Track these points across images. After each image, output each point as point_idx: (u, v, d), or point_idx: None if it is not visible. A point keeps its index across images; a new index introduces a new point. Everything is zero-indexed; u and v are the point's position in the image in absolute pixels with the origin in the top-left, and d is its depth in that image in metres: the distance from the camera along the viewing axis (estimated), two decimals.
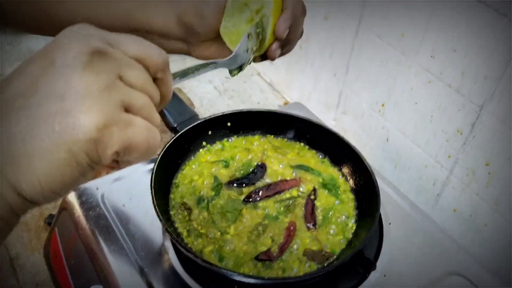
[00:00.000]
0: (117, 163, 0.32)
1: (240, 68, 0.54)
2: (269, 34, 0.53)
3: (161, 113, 0.78)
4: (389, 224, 0.72)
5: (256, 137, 0.81)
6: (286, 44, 0.56)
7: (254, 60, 0.57)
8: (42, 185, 0.28)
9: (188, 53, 0.59)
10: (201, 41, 0.56)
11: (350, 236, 0.66)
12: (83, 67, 0.28)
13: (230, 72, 0.55)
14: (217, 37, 0.56)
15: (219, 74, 1.29)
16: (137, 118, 0.30)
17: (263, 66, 1.26)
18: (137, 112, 0.30)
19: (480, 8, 0.67)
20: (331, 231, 0.67)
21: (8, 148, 0.28)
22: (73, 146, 0.28)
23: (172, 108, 0.80)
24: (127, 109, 0.30)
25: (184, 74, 0.41)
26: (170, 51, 0.59)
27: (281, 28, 0.52)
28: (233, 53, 0.52)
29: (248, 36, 0.52)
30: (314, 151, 0.79)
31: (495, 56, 0.68)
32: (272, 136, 0.81)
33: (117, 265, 0.66)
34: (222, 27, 0.54)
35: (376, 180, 0.68)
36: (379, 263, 0.66)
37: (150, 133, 0.31)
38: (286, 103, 1.21)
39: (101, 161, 0.30)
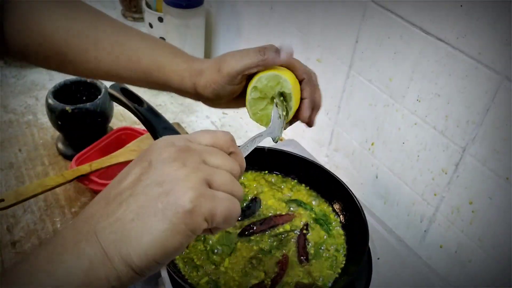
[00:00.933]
0: (209, 231, 0.38)
1: (280, 133, 0.62)
2: (293, 106, 0.61)
3: None
4: (378, 259, 0.75)
5: (250, 173, 0.85)
6: (314, 115, 0.65)
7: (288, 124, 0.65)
8: (148, 256, 0.34)
9: (197, 100, 0.67)
10: (215, 104, 0.64)
11: (340, 270, 0.69)
12: (173, 161, 0.36)
13: (273, 139, 0.61)
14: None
15: (216, 110, 1.34)
16: (219, 192, 0.37)
17: None
18: (218, 187, 0.37)
19: (461, 59, 0.73)
20: (322, 265, 0.70)
21: (121, 228, 0.34)
22: (174, 219, 0.34)
23: None
24: (210, 185, 0.37)
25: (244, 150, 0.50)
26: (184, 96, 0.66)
27: (305, 116, 0.63)
28: (271, 124, 0.60)
29: (276, 105, 0.60)
30: (307, 187, 0.83)
31: (476, 103, 0.73)
32: (267, 172, 0.85)
33: None
34: (251, 114, 0.62)
35: (365, 217, 0.72)
36: None
37: (231, 203, 0.37)
38: (281, 139, 1.25)
39: (196, 229, 0.35)
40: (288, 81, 0.59)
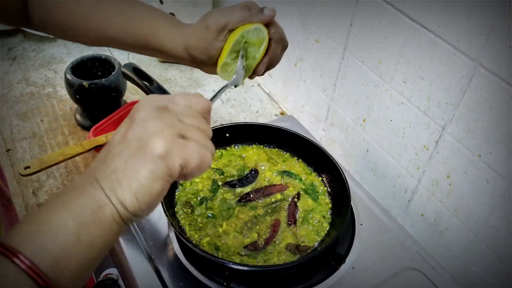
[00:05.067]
0: (184, 177, 0.46)
1: (242, 82, 0.69)
2: (256, 60, 0.68)
3: None
4: (361, 225, 0.84)
5: (251, 146, 0.94)
6: (266, 71, 0.71)
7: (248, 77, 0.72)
8: (137, 198, 0.42)
9: (193, 67, 0.73)
10: (206, 65, 0.70)
11: (324, 234, 0.79)
12: (152, 118, 0.44)
13: (235, 86, 0.69)
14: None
15: (223, 85, 1.42)
16: (190, 142, 0.44)
17: (263, 78, 1.39)
18: (191, 140, 0.45)
19: (441, 46, 0.79)
20: (309, 229, 0.79)
21: (115, 177, 0.43)
22: (152, 166, 0.42)
23: None
24: (184, 138, 0.44)
25: (212, 99, 0.58)
26: (181, 63, 0.73)
27: (260, 68, 0.68)
28: (236, 72, 0.67)
29: (242, 57, 0.67)
30: (300, 160, 0.91)
31: (454, 87, 0.80)
32: (265, 146, 0.94)
33: (129, 252, 0.79)
34: (219, 68, 0.67)
35: (349, 187, 0.80)
36: (349, 257, 0.78)
37: (202, 152, 0.45)
38: (282, 113, 1.33)
39: (172, 173, 0.43)
40: (266, 37, 0.65)
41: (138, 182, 0.42)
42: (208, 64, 0.69)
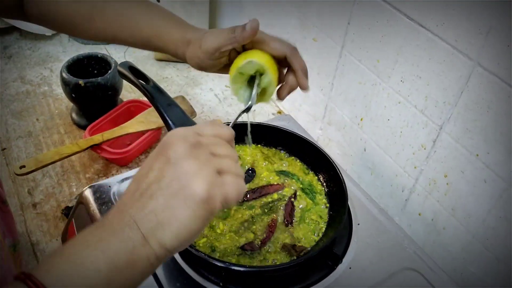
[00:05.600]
0: (222, 208, 0.46)
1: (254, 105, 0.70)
2: (272, 78, 0.67)
3: (166, 123, 0.90)
4: (358, 224, 0.84)
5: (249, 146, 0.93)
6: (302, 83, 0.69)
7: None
8: (179, 239, 0.42)
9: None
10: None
11: (321, 234, 0.78)
12: (188, 156, 0.43)
13: (249, 110, 0.69)
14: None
15: (220, 83, 1.41)
16: (227, 177, 0.44)
17: None
18: (227, 173, 0.45)
19: (439, 45, 0.79)
20: (306, 229, 0.79)
21: (155, 218, 0.42)
22: (194, 207, 0.42)
23: (176, 119, 0.92)
24: (220, 173, 0.44)
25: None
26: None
27: (304, 84, 0.67)
28: (250, 100, 0.68)
29: (257, 85, 0.67)
30: (297, 160, 0.91)
31: (452, 86, 0.79)
32: (262, 145, 0.93)
33: None
34: (233, 91, 0.68)
35: (346, 187, 0.80)
36: (346, 257, 0.78)
37: (239, 184, 0.45)
38: (279, 112, 1.33)
39: (213, 212, 0.43)
40: (265, 67, 0.65)
41: (179, 223, 0.42)
42: (208, 70, 0.70)
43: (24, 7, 0.69)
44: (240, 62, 0.65)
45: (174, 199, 0.42)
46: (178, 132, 0.46)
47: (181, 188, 0.42)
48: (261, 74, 0.67)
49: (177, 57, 0.71)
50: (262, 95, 0.69)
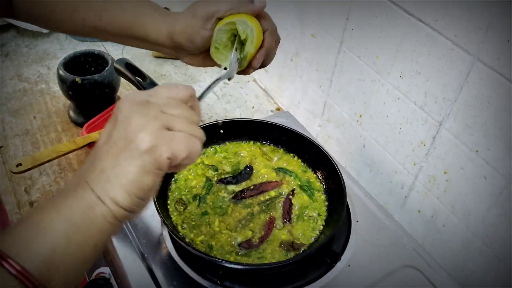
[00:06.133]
0: (175, 169, 0.46)
1: (234, 74, 0.67)
2: (249, 54, 0.65)
3: None
4: (357, 221, 0.83)
5: (247, 143, 0.92)
6: (261, 67, 0.69)
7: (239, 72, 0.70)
8: (129, 193, 0.43)
9: (178, 59, 0.72)
10: (189, 54, 0.69)
11: (320, 231, 0.77)
12: (134, 114, 0.43)
13: (229, 79, 0.67)
14: (201, 52, 0.68)
15: None
16: (176, 133, 0.44)
17: (259, 73, 1.37)
18: (178, 131, 0.44)
19: (439, 40, 0.78)
20: (304, 226, 0.78)
21: (105, 176, 0.43)
22: (140, 161, 0.42)
23: None
24: (170, 130, 0.44)
25: (202, 95, 0.57)
26: (165, 55, 0.72)
27: (256, 62, 0.66)
28: (230, 65, 0.65)
29: (236, 50, 0.65)
30: (295, 157, 0.90)
31: (452, 82, 0.78)
32: (260, 142, 0.92)
33: (122, 251, 0.77)
34: (212, 50, 0.66)
35: (345, 184, 0.79)
36: (345, 255, 0.77)
37: (190, 142, 0.44)
38: (278, 109, 1.32)
39: (160, 166, 0.43)
40: (254, 30, 0.63)
41: (127, 178, 0.43)
42: (192, 54, 0.68)
43: (11, 5, 0.69)
44: (233, 17, 0.63)
45: (121, 156, 0.43)
46: (129, 95, 0.47)
47: (127, 144, 0.43)
48: (243, 44, 0.65)
49: (159, 45, 0.69)
50: (240, 64, 0.67)
